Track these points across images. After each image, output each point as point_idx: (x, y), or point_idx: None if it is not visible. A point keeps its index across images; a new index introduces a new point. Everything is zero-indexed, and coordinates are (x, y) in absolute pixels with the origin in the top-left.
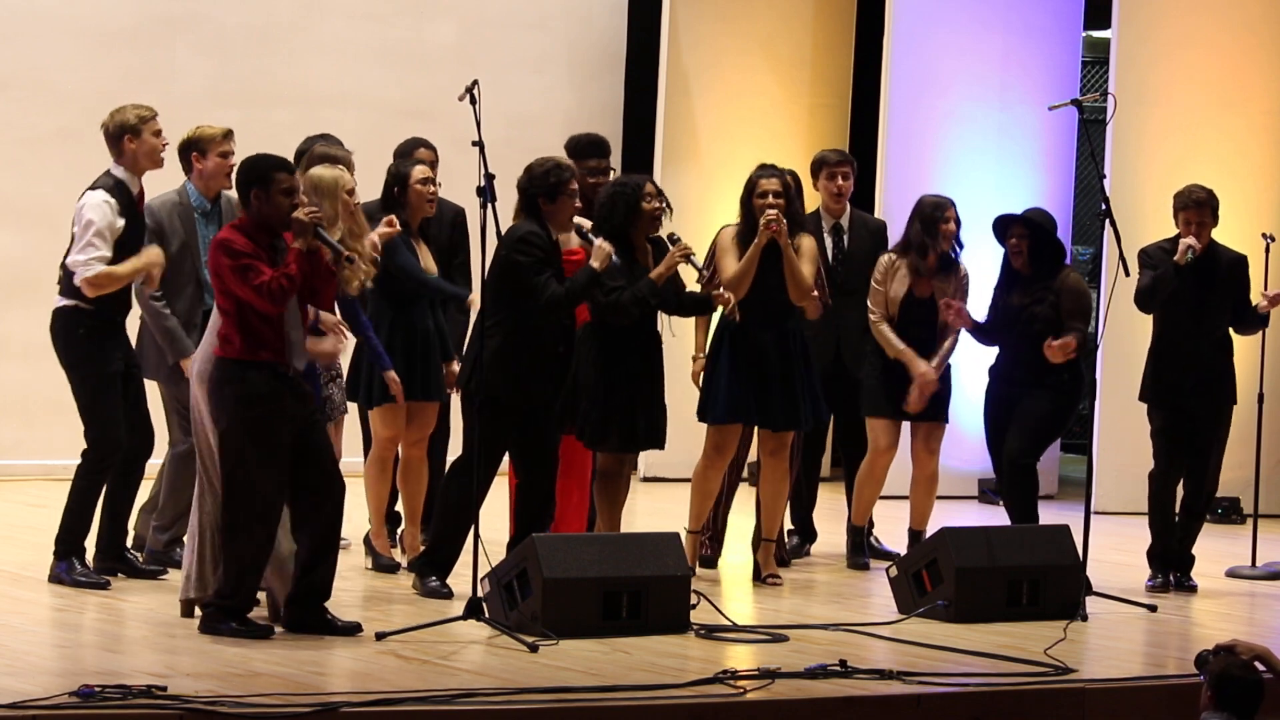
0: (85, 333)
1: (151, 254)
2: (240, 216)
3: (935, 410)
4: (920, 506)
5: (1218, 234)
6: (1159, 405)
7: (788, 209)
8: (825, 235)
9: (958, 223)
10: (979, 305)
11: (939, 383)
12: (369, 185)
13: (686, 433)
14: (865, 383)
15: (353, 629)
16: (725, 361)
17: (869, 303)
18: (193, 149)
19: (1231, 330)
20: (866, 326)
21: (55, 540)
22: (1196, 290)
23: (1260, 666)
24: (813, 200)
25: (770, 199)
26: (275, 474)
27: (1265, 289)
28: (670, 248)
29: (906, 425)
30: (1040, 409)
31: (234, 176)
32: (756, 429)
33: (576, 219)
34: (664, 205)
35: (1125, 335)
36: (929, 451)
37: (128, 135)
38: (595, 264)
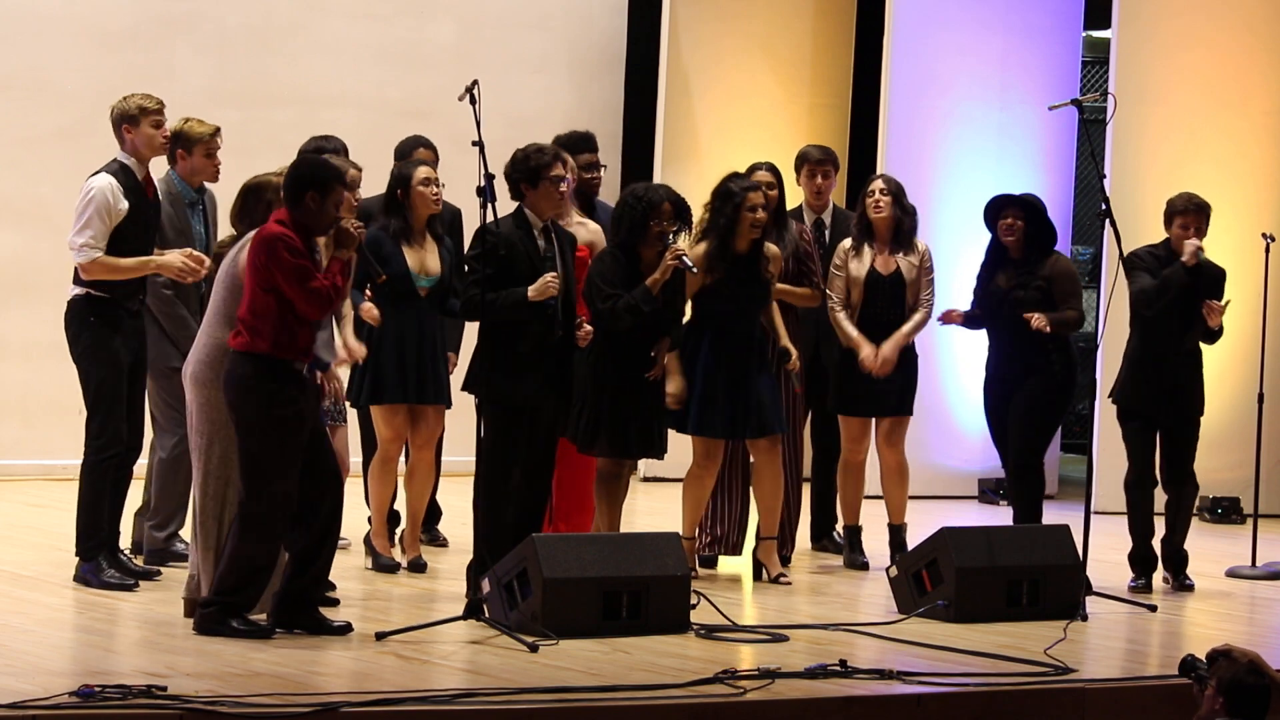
0: (96, 320)
1: (168, 257)
2: (282, 212)
3: (897, 404)
4: (893, 500)
5: (1219, 234)
6: (1133, 413)
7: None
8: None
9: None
10: (964, 289)
11: (903, 375)
12: (368, 185)
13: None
14: (831, 379)
15: (344, 629)
16: (704, 370)
17: (828, 289)
18: (178, 144)
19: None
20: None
21: (76, 541)
22: (1187, 300)
23: None
24: (795, 194)
25: (759, 214)
26: (295, 473)
27: (1264, 291)
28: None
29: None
30: (1033, 401)
31: (290, 173)
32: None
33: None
34: (679, 226)
35: (1125, 335)
36: (891, 445)
37: (126, 124)
38: (530, 291)
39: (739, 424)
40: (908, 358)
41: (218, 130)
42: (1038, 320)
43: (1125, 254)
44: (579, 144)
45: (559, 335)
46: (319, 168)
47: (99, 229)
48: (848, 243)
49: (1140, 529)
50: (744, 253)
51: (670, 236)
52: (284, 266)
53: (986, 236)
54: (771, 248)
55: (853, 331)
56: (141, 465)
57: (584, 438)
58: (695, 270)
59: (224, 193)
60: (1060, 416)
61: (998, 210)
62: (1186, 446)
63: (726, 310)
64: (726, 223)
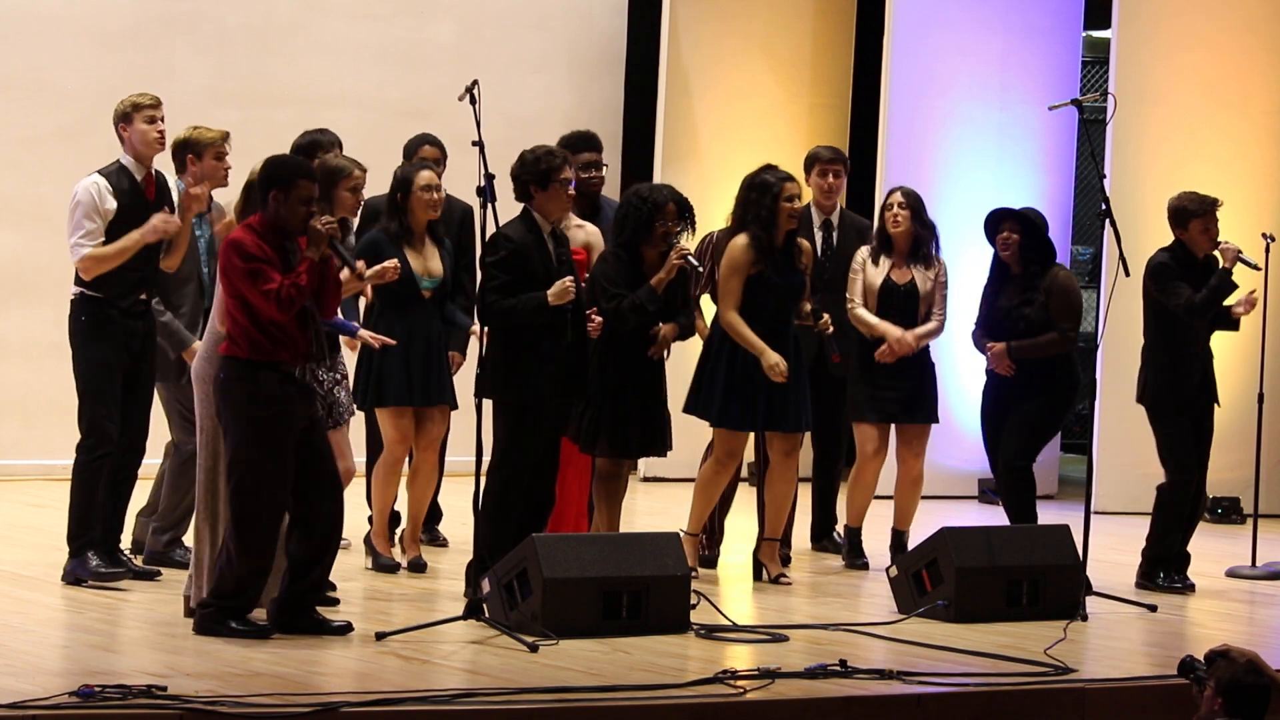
0: (87, 319)
1: (146, 227)
2: (254, 216)
3: (923, 412)
4: (904, 507)
5: (1220, 233)
6: (1181, 413)
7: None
8: (815, 231)
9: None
10: (967, 303)
11: (925, 383)
12: (369, 186)
13: (685, 433)
14: (849, 387)
15: (345, 629)
16: (739, 364)
17: (847, 293)
18: (188, 150)
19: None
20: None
21: (67, 539)
22: None
23: None
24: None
25: (796, 204)
26: (282, 475)
27: (1264, 291)
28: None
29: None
30: (1031, 412)
31: (255, 173)
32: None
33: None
34: (683, 226)
35: (1125, 336)
36: (914, 454)
37: (122, 123)
38: (551, 297)
39: (776, 416)
40: (924, 365)
41: (227, 135)
42: (994, 363)
43: (1153, 265)
44: (581, 143)
45: (572, 335)
46: (280, 166)
47: (89, 228)
48: (866, 250)
49: (1167, 533)
50: (781, 246)
51: (675, 237)
52: (236, 271)
53: (981, 236)
54: (803, 242)
55: (874, 319)
56: (153, 466)
57: (585, 438)
58: (701, 269)
59: (227, 195)
60: (1054, 430)
61: (995, 224)
62: (1209, 440)
63: (767, 302)
64: (767, 214)
